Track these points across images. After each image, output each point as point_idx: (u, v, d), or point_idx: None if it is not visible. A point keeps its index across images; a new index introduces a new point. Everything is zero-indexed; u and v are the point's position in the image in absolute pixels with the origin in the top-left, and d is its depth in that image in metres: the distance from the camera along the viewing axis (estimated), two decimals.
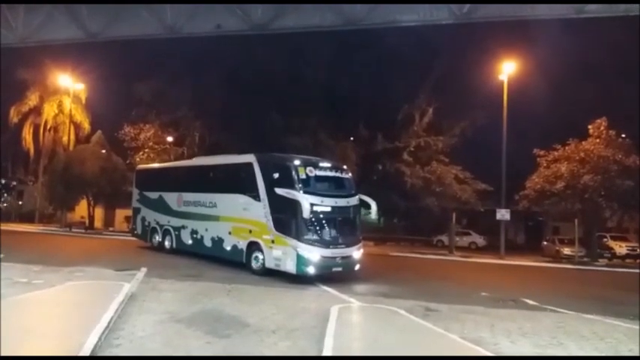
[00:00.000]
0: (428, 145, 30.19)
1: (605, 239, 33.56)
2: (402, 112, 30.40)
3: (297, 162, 15.31)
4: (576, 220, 29.57)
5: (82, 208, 41.33)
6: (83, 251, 22.50)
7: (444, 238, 35.58)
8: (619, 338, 8.85)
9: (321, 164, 15.98)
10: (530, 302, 13.33)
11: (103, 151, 40.51)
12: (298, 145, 27.67)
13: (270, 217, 15.35)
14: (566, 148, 28.97)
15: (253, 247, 16.02)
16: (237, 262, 16.51)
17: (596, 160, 28.13)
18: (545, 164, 29.22)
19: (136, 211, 23.07)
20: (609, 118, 28.49)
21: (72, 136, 42.62)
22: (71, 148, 41.82)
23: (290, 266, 14.66)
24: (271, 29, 13.68)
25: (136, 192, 23.27)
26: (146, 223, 22.15)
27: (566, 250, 30.57)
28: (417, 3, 13.19)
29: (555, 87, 31.61)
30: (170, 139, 37.51)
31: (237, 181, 17.07)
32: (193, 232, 19.03)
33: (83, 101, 43.74)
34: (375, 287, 14.45)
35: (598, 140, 28.48)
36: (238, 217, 16.68)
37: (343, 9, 13.11)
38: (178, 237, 19.90)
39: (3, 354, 5.96)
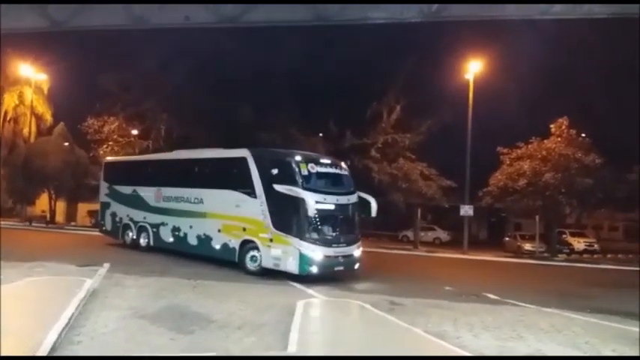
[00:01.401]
0: (395, 141, 30.51)
1: (564, 235, 34.65)
2: (371, 109, 30.62)
3: (298, 157, 14.77)
4: (537, 217, 30.42)
5: (42, 202, 40.23)
6: (44, 246, 21.92)
7: (409, 234, 36.07)
8: (576, 331, 9.16)
9: (321, 160, 15.59)
10: (492, 296, 13.65)
11: (66, 143, 39.49)
12: (267, 140, 27.59)
13: (268, 215, 14.71)
14: (529, 146, 29.75)
15: (248, 245, 15.35)
16: (228, 262, 15.79)
17: (558, 158, 28.99)
18: (508, 162, 29.94)
19: (105, 205, 21.82)
20: (570, 117, 29.37)
21: (33, 128, 41.30)
22: (32, 140, 40.57)
23: (292, 266, 14.08)
24: (241, 22, 13.50)
25: (104, 185, 22.03)
26: (117, 219, 20.95)
27: (527, 246, 31.43)
28: (387, 2, 13.23)
29: (520, 86, 32.37)
30: (135, 132, 36.81)
31: (229, 177, 16.37)
32: (175, 229, 18.05)
33: (45, 92, 42.42)
34: (341, 282, 14.52)
35: (559, 139, 29.35)
36: (230, 214, 15.94)
37: (315, 5, 13.07)
38: (157, 234, 18.90)
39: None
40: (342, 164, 16.34)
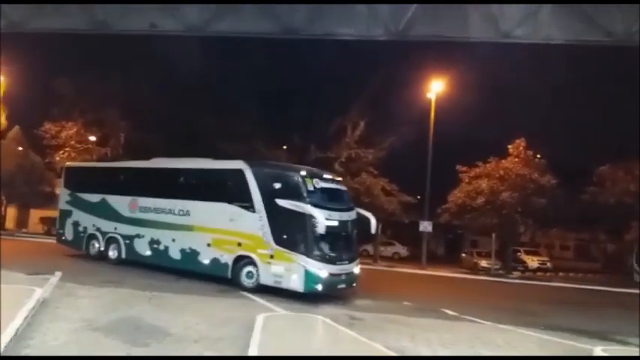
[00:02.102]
0: (358, 156, 30.80)
1: (518, 253, 35.59)
2: (336, 123, 30.88)
3: (303, 172, 14.41)
4: (493, 235, 31.18)
5: None
6: None
7: (369, 248, 36.25)
8: (531, 348, 9.37)
9: (324, 175, 15.30)
10: (450, 312, 13.83)
11: (20, 148, 38.09)
12: (230, 150, 27.33)
13: (268, 230, 14.24)
14: (487, 165, 30.58)
15: (243, 261, 14.81)
16: (219, 277, 15.16)
17: (515, 178, 29.89)
18: (467, 180, 30.67)
19: (65, 214, 20.30)
20: (528, 138, 30.39)
21: None
22: None
23: (296, 284, 13.67)
24: (207, 32, 13.40)
25: (65, 192, 20.59)
26: (80, 229, 19.54)
27: (483, 263, 32.06)
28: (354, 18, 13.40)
29: (480, 106, 33.31)
30: (93, 138, 35.87)
31: (222, 189, 15.81)
32: (153, 242, 17.09)
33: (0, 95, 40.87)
34: (301, 296, 14.39)
35: (517, 159, 30.30)
36: (222, 228, 15.31)
37: (282, 17, 13.09)
38: (130, 246, 17.83)
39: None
40: (341, 179, 16.24)
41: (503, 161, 30.56)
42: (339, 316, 11.06)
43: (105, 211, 18.77)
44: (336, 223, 14.11)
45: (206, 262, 15.63)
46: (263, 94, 32.28)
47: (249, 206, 14.73)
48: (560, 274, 34.09)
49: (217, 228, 15.48)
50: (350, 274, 14.79)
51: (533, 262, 35.69)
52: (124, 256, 18.04)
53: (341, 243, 14.62)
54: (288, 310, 11.70)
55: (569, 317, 14.71)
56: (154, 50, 26.12)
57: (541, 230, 37.41)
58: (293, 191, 14.07)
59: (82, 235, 19.50)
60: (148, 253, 17.32)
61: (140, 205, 17.74)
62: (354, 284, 15.09)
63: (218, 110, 30.77)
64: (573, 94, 36.23)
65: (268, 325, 8.81)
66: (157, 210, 17.22)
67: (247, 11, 13.07)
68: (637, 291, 25.29)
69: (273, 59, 29.70)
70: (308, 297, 13.65)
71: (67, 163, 24.24)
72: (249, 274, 14.70)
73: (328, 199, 14.47)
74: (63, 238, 20.43)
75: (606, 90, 32.02)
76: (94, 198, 19.32)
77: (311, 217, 13.53)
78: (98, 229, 18.95)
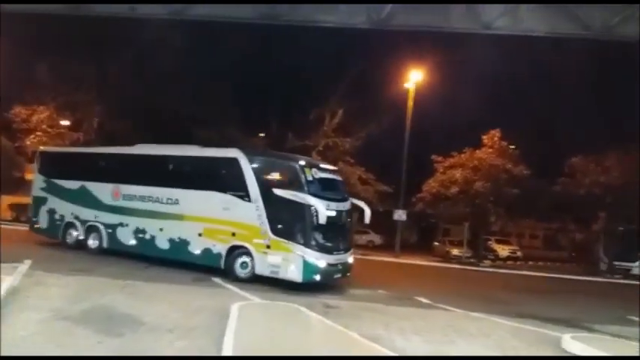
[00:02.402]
0: (336, 145, 30.83)
1: (489, 242, 36.25)
2: (314, 112, 30.78)
3: (302, 162, 14.35)
4: (466, 224, 31.63)
5: None
6: None
7: None
8: (503, 335, 9.53)
9: (321, 165, 15.22)
10: (424, 300, 14.01)
11: None
12: (205, 137, 27.01)
13: (265, 220, 14.11)
14: (462, 155, 30.91)
15: (237, 251, 14.60)
16: (210, 268, 14.92)
17: (488, 168, 30.29)
18: (441, 170, 31.00)
19: (39, 201, 19.37)
20: (503, 129, 30.78)
21: None
22: None
23: (294, 274, 13.63)
24: (187, 15, 13.16)
25: (40, 178, 19.64)
26: (57, 217, 18.75)
27: (455, 251, 32.55)
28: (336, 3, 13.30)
29: (457, 97, 33.57)
30: (66, 122, 34.97)
31: (215, 178, 15.51)
32: (138, 231, 16.64)
33: None
34: (275, 284, 14.37)
35: (491, 150, 30.68)
36: (215, 217, 15.02)
37: (263, 3, 12.93)
38: (112, 235, 17.26)
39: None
40: (337, 169, 16.09)
41: (477, 151, 30.92)
42: (315, 304, 11.08)
43: (84, 199, 18.11)
44: (334, 214, 14.04)
45: (197, 252, 15.32)
46: (241, 80, 31.95)
47: (245, 195, 14.55)
48: (530, 262, 34.87)
49: (209, 217, 15.17)
50: (345, 264, 14.85)
51: (503, 250, 36.41)
52: (105, 245, 17.44)
53: (337, 233, 14.67)
54: (263, 298, 11.66)
55: (539, 305, 15.06)
56: (130, 34, 25.51)
57: (512, 220, 38.10)
58: (291, 181, 14.02)
59: (58, 223, 18.72)
60: (133, 242, 16.85)
61: (123, 192, 17.20)
62: (349, 274, 15.17)
63: (194, 96, 30.30)
64: (548, 87, 36.82)
65: (243, 313, 8.78)
66: (142, 198, 16.72)
67: None
68: (602, 279, 26.18)
69: (251, 45, 29.31)
70: (282, 286, 13.67)
71: (42, 148, 22.62)
72: (244, 265, 14.51)
73: (326, 189, 14.45)
74: (37, 226, 19.54)
75: (579, 83, 32.58)
76: (73, 185, 18.57)
77: (310, 207, 13.49)
78: (77, 217, 18.23)
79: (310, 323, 8.78)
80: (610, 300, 15.59)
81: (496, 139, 30.79)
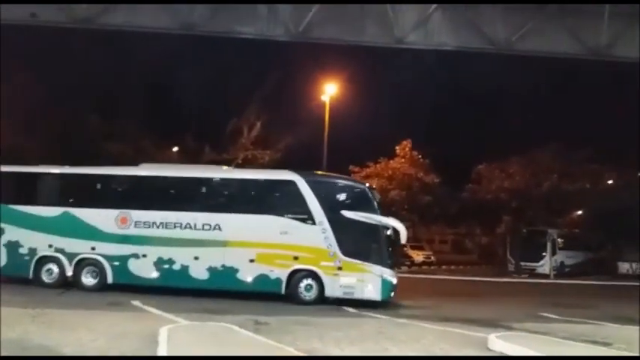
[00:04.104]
0: (255, 158, 30.55)
1: (405, 248, 37.48)
2: (231, 124, 30.38)
3: (367, 184, 15.35)
4: None
5: None
6: None
7: None
8: (431, 340, 9.80)
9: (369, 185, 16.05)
10: (350, 310, 14.15)
11: None
12: (116, 152, 25.78)
13: (334, 242, 14.29)
14: (378, 165, 31.91)
15: (299, 274, 14.55)
16: (265, 294, 14.67)
17: (402, 177, 31.49)
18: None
19: None
20: (415, 139, 32.21)
21: None
22: None
23: (372, 293, 14.17)
24: (97, 24, 12.50)
25: None
26: (22, 251, 15.82)
27: None
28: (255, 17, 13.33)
29: (373, 109, 34.68)
30: None
31: (267, 201, 15.25)
32: (163, 261, 15.16)
33: None
34: (197, 302, 13.89)
35: (403, 160, 31.96)
36: (271, 242, 14.66)
37: (181, 13, 12.60)
38: (121, 269, 15.38)
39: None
40: None
41: (391, 161, 32.06)
42: (244, 322, 10.78)
43: (71, 228, 15.80)
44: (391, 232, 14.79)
45: (249, 279, 14.78)
46: (153, 92, 30.78)
47: (307, 218, 14.53)
48: (443, 267, 36.46)
49: (263, 242, 14.77)
50: None
51: (418, 256, 37.77)
52: (110, 280, 15.48)
53: (394, 251, 15.54)
54: (187, 319, 11.18)
55: (459, 307, 15.72)
56: (33, 42, 23.76)
57: (425, 226, 39.79)
58: (360, 203, 14.61)
59: (26, 258, 15.79)
60: (155, 274, 15.28)
61: (135, 219, 15.47)
62: None
63: (103, 109, 28.77)
64: (456, 98, 39.00)
65: (173, 336, 8.35)
66: (165, 225, 15.28)
67: (144, 4, 12.38)
68: (511, 279, 27.96)
69: (164, 56, 28.37)
70: (205, 304, 13.25)
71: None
72: (308, 288, 14.58)
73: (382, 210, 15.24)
74: None
75: (485, 94, 34.90)
76: (50, 211, 16.02)
77: (385, 228, 14.40)
78: (60, 250, 15.70)
79: (244, 341, 8.54)
80: (521, 298, 16.66)
81: (407, 149, 32.14)
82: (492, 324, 12.20)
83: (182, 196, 16.05)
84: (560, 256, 32.16)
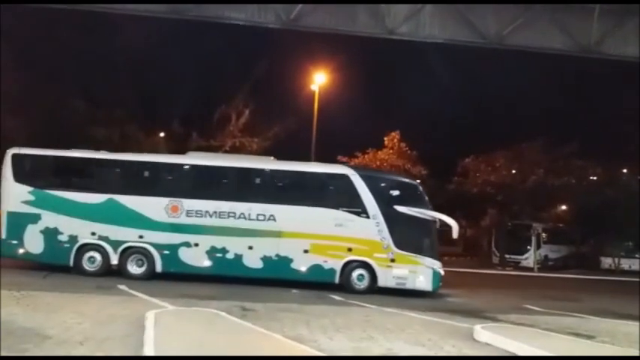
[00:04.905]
0: (243, 145, 30.36)
1: None
2: (220, 111, 30.14)
3: (417, 181, 16.34)
4: None
5: None
6: None
7: None
8: (417, 329, 9.89)
9: None
10: (337, 298, 14.33)
11: None
12: (102, 137, 25.48)
13: (387, 235, 15.20)
14: (366, 156, 31.88)
15: (352, 265, 15.46)
16: (319, 283, 15.50)
17: (390, 168, 31.47)
18: None
19: (23, 218, 15.65)
20: (403, 131, 32.25)
21: None
22: None
23: (423, 284, 15.23)
24: (87, 6, 12.34)
25: (18, 189, 15.74)
26: (62, 238, 15.60)
27: None
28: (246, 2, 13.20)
29: (363, 99, 34.65)
30: None
31: (322, 194, 16.00)
32: (216, 250, 15.49)
33: None
34: (184, 287, 13.89)
35: (391, 151, 31.97)
36: (325, 233, 15.38)
37: None
38: (170, 257, 15.54)
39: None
40: None
41: (379, 152, 32.07)
42: (231, 308, 10.80)
43: (116, 216, 15.71)
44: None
45: (303, 269, 15.52)
46: (142, 76, 30.39)
47: (361, 212, 15.27)
48: None
49: (318, 233, 15.43)
50: None
51: None
52: (159, 269, 15.66)
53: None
54: (174, 305, 11.17)
55: (444, 298, 15.89)
56: (15, 21, 23.29)
57: None
58: (416, 199, 15.61)
59: (65, 246, 15.59)
60: (207, 263, 15.60)
61: (187, 208, 15.62)
62: None
63: (91, 93, 28.35)
64: (444, 92, 39.08)
65: (160, 321, 8.31)
66: (218, 214, 15.56)
67: None
68: (496, 272, 28.28)
69: (153, 39, 28.02)
70: (192, 290, 13.21)
71: (23, 150, 16.65)
72: (360, 277, 15.51)
73: None
74: (21, 251, 15.73)
75: (475, 89, 35.10)
76: (92, 198, 15.80)
77: (434, 222, 15.61)
78: (104, 238, 15.63)
79: (231, 327, 8.54)
80: (506, 291, 16.93)
81: (396, 140, 32.17)
82: (478, 315, 12.38)
83: (237, 186, 16.40)
84: (544, 250, 32.65)
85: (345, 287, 15.41)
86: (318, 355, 7.26)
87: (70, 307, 10.04)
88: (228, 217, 15.59)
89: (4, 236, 15.71)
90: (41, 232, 15.61)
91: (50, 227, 15.63)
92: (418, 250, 15.37)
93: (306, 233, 15.48)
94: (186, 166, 16.72)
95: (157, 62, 31.89)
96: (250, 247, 15.51)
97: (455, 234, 16.77)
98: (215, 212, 15.60)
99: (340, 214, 15.39)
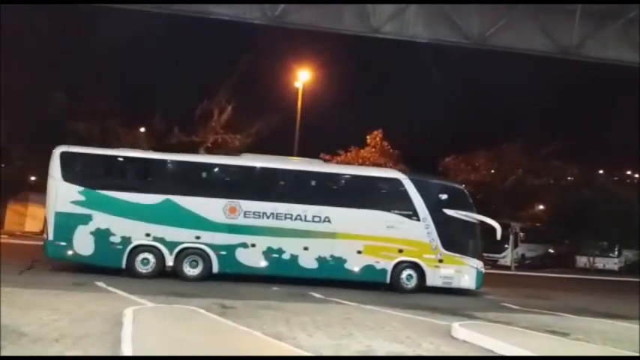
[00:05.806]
0: (225, 142, 30.25)
1: None
2: (202, 107, 29.93)
3: (464, 185, 17.21)
4: None
5: None
6: None
7: None
8: (397, 327, 9.94)
9: None
10: (317, 295, 14.33)
11: None
12: (82, 131, 25.12)
13: (436, 237, 15.92)
14: (349, 154, 32.04)
15: (402, 265, 16.08)
16: (370, 283, 16.23)
17: (372, 166, 31.62)
18: None
19: (74, 219, 15.30)
20: (386, 130, 32.44)
21: None
22: None
23: (467, 283, 16.16)
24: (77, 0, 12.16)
25: (67, 189, 15.36)
26: (114, 240, 15.42)
27: None
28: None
29: (346, 97, 34.76)
30: None
31: (375, 197, 16.58)
32: (272, 251, 15.79)
33: None
34: (163, 285, 13.78)
35: (374, 149, 32.16)
36: (377, 235, 15.95)
37: None
38: (228, 258, 15.65)
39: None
40: None
41: (362, 150, 32.22)
42: (210, 306, 10.75)
43: (172, 217, 15.61)
44: None
45: (356, 269, 16.03)
46: (123, 70, 30.07)
47: (412, 215, 15.93)
48: None
49: (371, 235, 15.96)
50: None
51: None
52: (216, 270, 15.75)
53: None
54: (154, 302, 11.08)
55: (423, 296, 16.00)
56: None
57: None
58: (463, 203, 16.40)
59: (118, 247, 15.39)
60: (263, 263, 15.90)
61: (245, 209, 15.79)
62: None
63: (72, 87, 27.92)
64: (427, 92, 39.37)
65: (139, 318, 8.23)
66: (275, 216, 15.85)
67: None
68: None
69: (135, 33, 27.68)
70: (172, 287, 13.09)
71: (72, 149, 16.36)
72: (409, 277, 16.18)
73: None
74: (70, 252, 15.39)
75: (457, 89, 35.37)
76: (147, 199, 15.66)
77: (478, 224, 16.39)
78: (159, 240, 15.47)
79: (211, 325, 8.49)
80: (483, 289, 17.09)
81: (378, 139, 32.35)
82: (456, 312, 12.49)
83: (293, 188, 16.80)
84: (522, 249, 33.12)
85: (394, 287, 16.13)
86: (298, 353, 7.26)
87: (47, 304, 9.90)
88: (285, 218, 15.93)
89: (51, 237, 15.32)
90: (92, 233, 15.35)
91: (102, 228, 15.38)
92: (464, 251, 16.17)
93: (360, 235, 16.02)
94: (245, 168, 16.90)
95: (138, 57, 31.52)
96: (306, 248, 15.94)
97: (498, 236, 17.23)
98: (272, 214, 15.90)
99: (392, 217, 16.03)
